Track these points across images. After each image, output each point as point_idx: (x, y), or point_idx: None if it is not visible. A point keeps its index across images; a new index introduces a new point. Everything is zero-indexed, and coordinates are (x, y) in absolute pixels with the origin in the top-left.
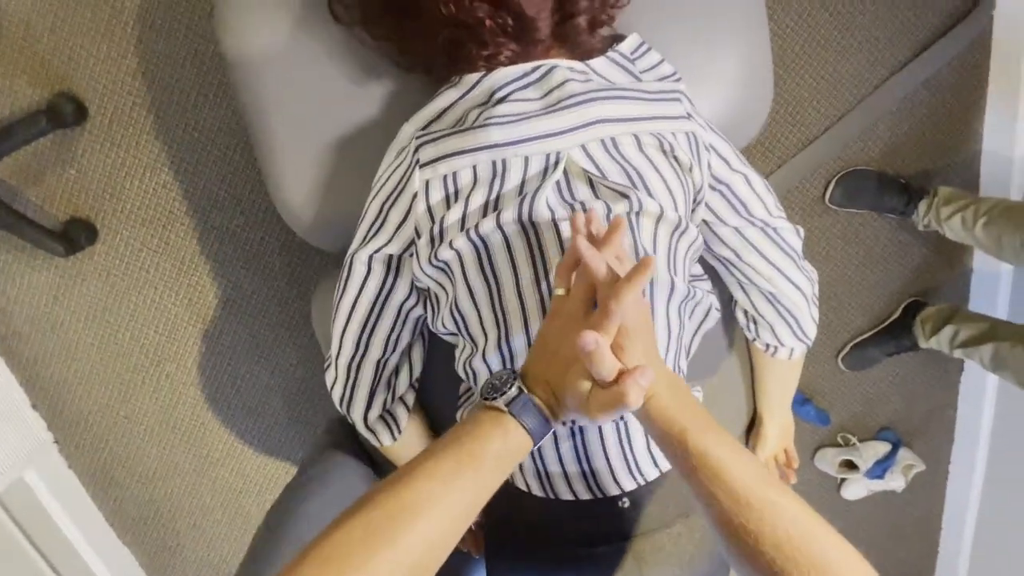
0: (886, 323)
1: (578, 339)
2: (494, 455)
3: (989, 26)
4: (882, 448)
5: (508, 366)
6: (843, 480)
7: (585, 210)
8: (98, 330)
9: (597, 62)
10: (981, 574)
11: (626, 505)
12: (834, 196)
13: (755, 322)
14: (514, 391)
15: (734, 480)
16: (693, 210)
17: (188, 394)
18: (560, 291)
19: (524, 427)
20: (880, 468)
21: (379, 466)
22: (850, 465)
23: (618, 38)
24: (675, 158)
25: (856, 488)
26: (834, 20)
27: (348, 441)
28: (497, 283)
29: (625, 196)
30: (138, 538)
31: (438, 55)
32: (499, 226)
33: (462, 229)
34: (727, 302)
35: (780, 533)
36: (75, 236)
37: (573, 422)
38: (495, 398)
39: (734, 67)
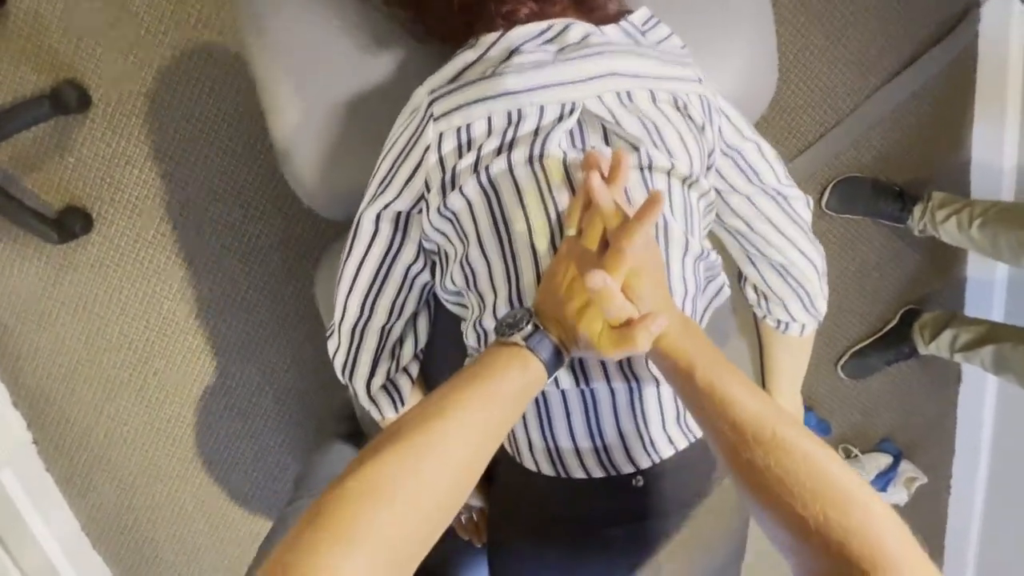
0: (884, 331)
1: (587, 277)
2: (514, 387)
3: (975, 39)
4: (883, 460)
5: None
6: None
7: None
8: (87, 323)
9: (609, 29)
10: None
11: (640, 484)
12: (830, 202)
13: (766, 297)
14: (530, 328)
15: (741, 415)
16: (706, 168)
17: (175, 393)
18: (572, 231)
19: (541, 360)
20: (882, 481)
21: None
22: None
23: (628, 11)
24: (689, 116)
25: None
26: (827, 33)
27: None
28: (508, 230)
29: (635, 148)
30: (113, 547)
31: (455, 15)
32: (510, 168)
33: (474, 171)
34: (736, 284)
35: (788, 469)
36: (69, 224)
37: (585, 391)
38: (511, 334)
39: (740, 42)
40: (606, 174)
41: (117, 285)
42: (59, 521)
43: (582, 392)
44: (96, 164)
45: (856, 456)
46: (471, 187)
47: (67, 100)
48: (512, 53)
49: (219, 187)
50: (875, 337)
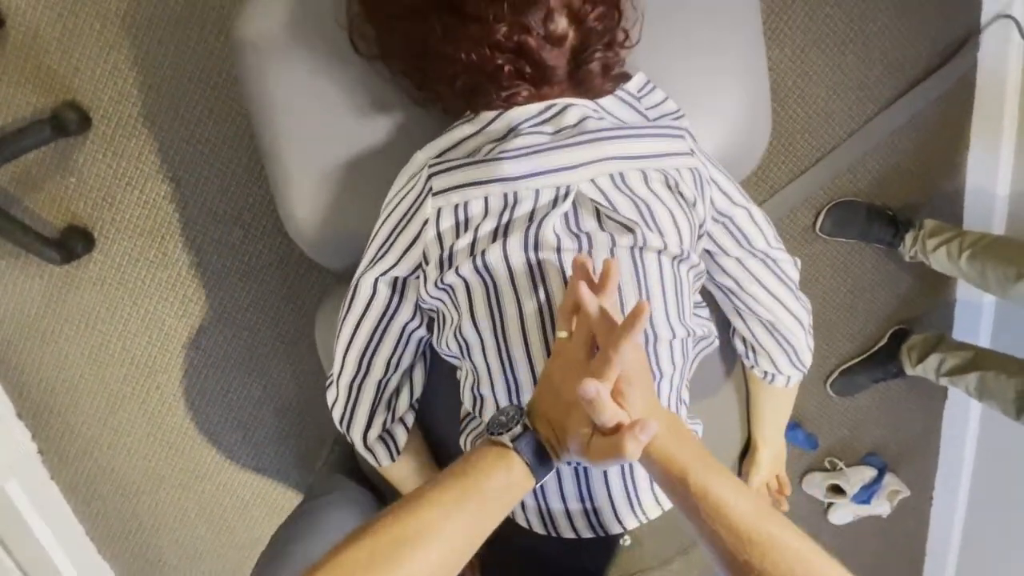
0: (873, 350)
1: (580, 387)
2: (497, 489)
3: (973, 67)
4: (868, 473)
5: (513, 394)
6: (830, 504)
7: (591, 242)
8: (89, 339)
9: (606, 100)
10: None
11: (627, 543)
12: (824, 225)
13: (753, 350)
14: (519, 428)
15: (736, 517)
16: (697, 240)
17: (177, 406)
18: (563, 334)
19: (527, 464)
20: (866, 493)
21: (383, 496)
22: (837, 490)
23: (625, 76)
24: (680, 193)
25: (843, 513)
26: (826, 58)
27: (349, 470)
28: (501, 314)
29: (630, 230)
30: (118, 553)
31: (455, 95)
32: (505, 256)
33: (470, 255)
34: (724, 329)
35: (784, 569)
36: (71, 244)
37: (578, 471)
38: (501, 434)
39: (734, 103)
40: (596, 280)
41: (119, 303)
42: (64, 528)
43: (575, 467)
44: (97, 185)
45: (841, 469)
46: (467, 269)
47: (67, 123)
48: (510, 132)
49: (219, 208)
50: (864, 356)
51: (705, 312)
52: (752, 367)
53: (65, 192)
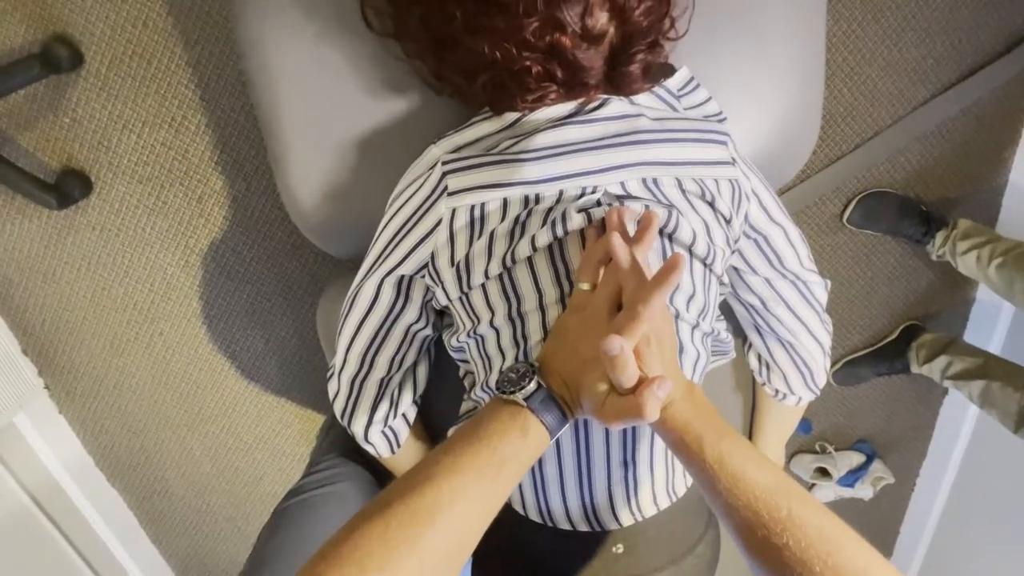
0: (881, 344)
1: (603, 343)
2: (515, 451)
3: None
4: (856, 459)
5: (522, 350)
6: (813, 484)
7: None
8: (91, 282)
9: (643, 97)
10: None
11: (620, 551)
12: (853, 217)
13: (768, 368)
14: (533, 385)
15: (755, 490)
16: (726, 256)
17: (181, 353)
18: (585, 286)
19: (543, 423)
20: (852, 478)
21: (380, 474)
22: (823, 472)
23: (668, 70)
24: (716, 209)
25: (825, 492)
26: (883, 34)
27: (350, 447)
28: (520, 306)
29: (666, 207)
30: (127, 483)
31: (476, 91)
32: (528, 258)
33: (487, 261)
34: (739, 346)
35: (805, 546)
36: (68, 189)
37: (582, 458)
38: (513, 392)
39: (782, 103)
40: (631, 233)
41: (120, 249)
42: (74, 459)
43: (578, 458)
44: (92, 127)
45: (830, 453)
46: (485, 277)
47: (58, 59)
48: (535, 130)
49: (221, 158)
50: (871, 349)
51: (724, 325)
52: (764, 384)
53: (60, 133)
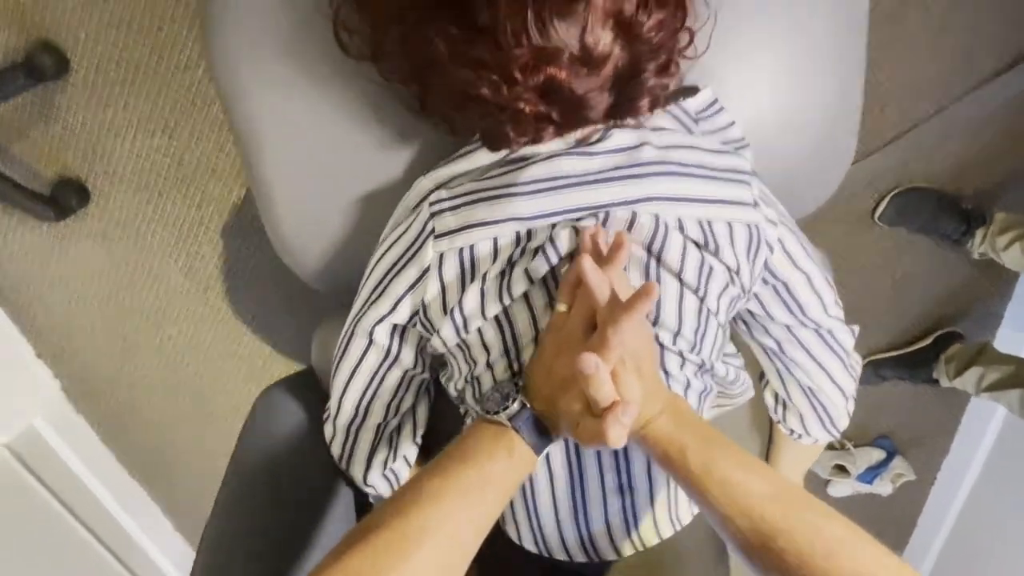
0: (912, 349)
1: (578, 360)
2: (500, 472)
3: None
4: (876, 455)
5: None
6: (829, 480)
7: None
8: (97, 290)
9: (657, 117)
10: None
11: None
12: (885, 214)
13: (784, 407)
14: (516, 406)
15: (747, 497)
16: (728, 307)
17: (191, 355)
18: (562, 307)
19: (527, 443)
20: (871, 475)
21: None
22: (841, 469)
23: (688, 91)
24: (720, 259)
25: (842, 488)
26: (929, 17)
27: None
28: (516, 343)
29: (653, 218)
30: (148, 476)
31: (464, 122)
32: (526, 298)
33: (483, 301)
34: (755, 382)
35: (805, 548)
36: (65, 199)
37: (574, 485)
38: (497, 412)
39: (814, 121)
40: (604, 252)
41: (122, 257)
42: (95, 457)
43: (571, 485)
44: (84, 135)
45: (849, 449)
46: (483, 319)
47: (42, 67)
48: (529, 160)
49: (217, 164)
50: (898, 353)
51: (738, 362)
52: (779, 422)
53: (52, 143)
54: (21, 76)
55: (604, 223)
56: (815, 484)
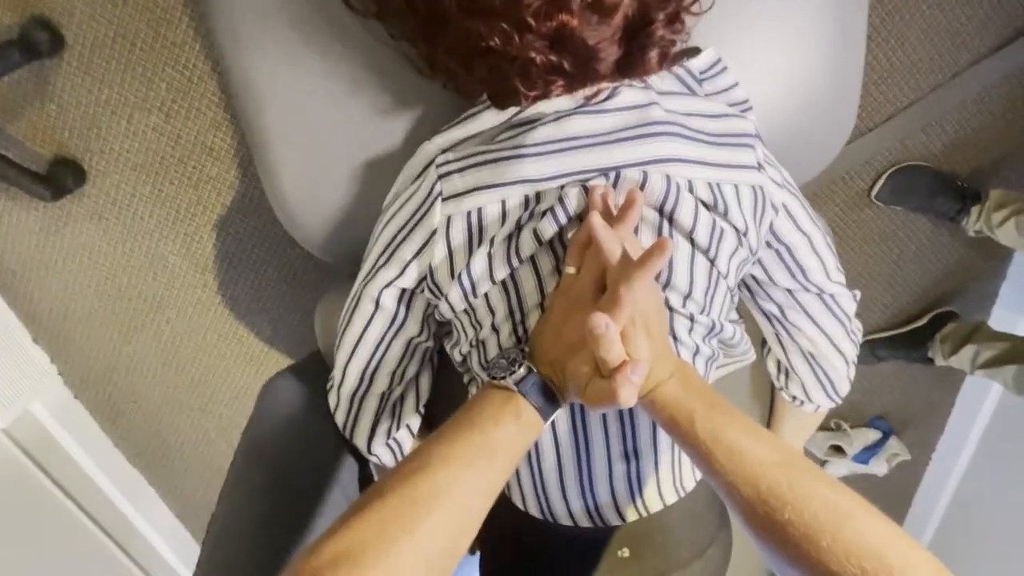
0: (908, 329)
1: (587, 321)
2: (507, 437)
3: None
4: (872, 436)
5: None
6: (826, 461)
7: (619, 178)
8: (94, 273)
9: (658, 79)
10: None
11: (625, 555)
12: (882, 193)
13: (786, 375)
14: (523, 371)
15: (752, 465)
16: (738, 268)
17: (189, 340)
18: (571, 269)
19: (535, 406)
20: (867, 455)
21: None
22: (838, 449)
23: (691, 52)
24: (729, 220)
25: (838, 468)
26: None
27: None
28: (520, 301)
29: (665, 179)
30: (147, 462)
31: (472, 80)
32: (533, 263)
33: (491, 264)
34: (758, 349)
35: (809, 520)
36: (61, 179)
37: (579, 451)
38: (503, 377)
39: (816, 85)
40: (615, 211)
41: (119, 238)
42: (93, 442)
43: (576, 452)
44: (80, 112)
45: (845, 430)
46: (491, 283)
47: (38, 43)
48: (537, 121)
49: (215, 143)
50: (894, 333)
51: (740, 324)
52: (781, 389)
53: (48, 121)
54: (16, 53)
55: (615, 184)
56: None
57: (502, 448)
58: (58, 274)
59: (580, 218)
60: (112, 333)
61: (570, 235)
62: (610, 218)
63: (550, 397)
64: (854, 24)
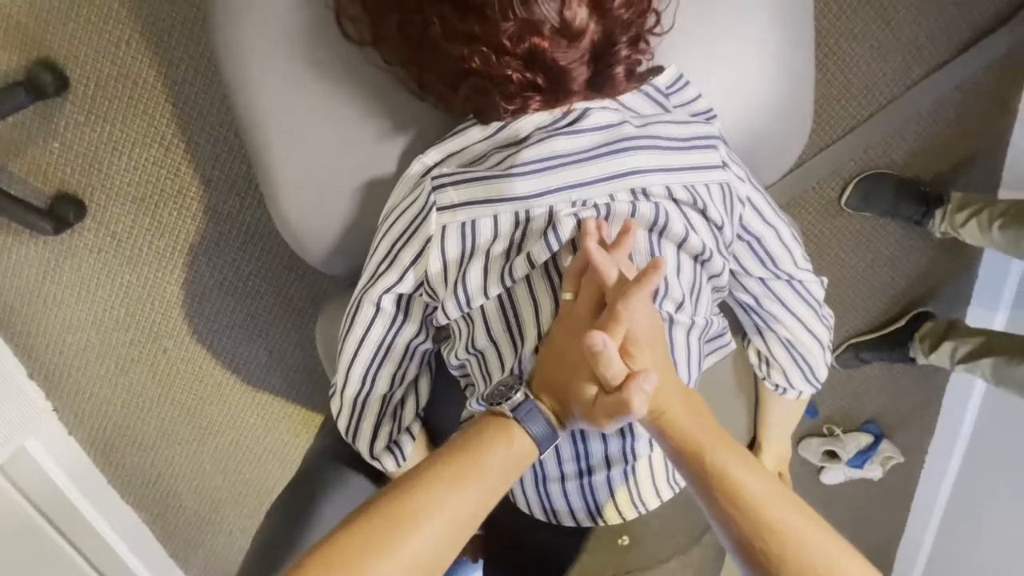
0: (888, 331)
1: (585, 338)
2: (499, 462)
3: None
4: (864, 440)
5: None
6: (823, 467)
7: (610, 212)
8: (92, 304)
9: (630, 97)
10: (941, 557)
11: (625, 543)
12: (851, 200)
13: (768, 364)
14: (519, 396)
15: (753, 501)
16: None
17: (186, 370)
18: (568, 295)
19: (529, 434)
20: (860, 459)
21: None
22: (832, 455)
23: (655, 71)
24: (706, 216)
25: (835, 474)
26: (876, 15)
27: (341, 453)
28: (519, 321)
29: (654, 204)
30: (141, 500)
31: (458, 99)
32: (527, 279)
33: (484, 291)
34: (735, 333)
35: (804, 561)
36: (63, 213)
37: (581, 465)
38: (500, 403)
39: (773, 95)
40: (608, 240)
41: (118, 270)
42: (87, 480)
43: (576, 454)
44: (82, 150)
45: (838, 435)
46: (485, 298)
47: (43, 84)
48: (521, 141)
49: (212, 175)
50: (875, 335)
51: (719, 316)
52: (764, 379)
53: (50, 158)
54: (22, 94)
55: (607, 217)
56: (807, 470)
57: (492, 473)
58: (56, 308)
59: (573, 244)
60: (108, 365)
61: (566, 262)
62: (604, 245)
63: (546, 425)
64: (801, 35)
